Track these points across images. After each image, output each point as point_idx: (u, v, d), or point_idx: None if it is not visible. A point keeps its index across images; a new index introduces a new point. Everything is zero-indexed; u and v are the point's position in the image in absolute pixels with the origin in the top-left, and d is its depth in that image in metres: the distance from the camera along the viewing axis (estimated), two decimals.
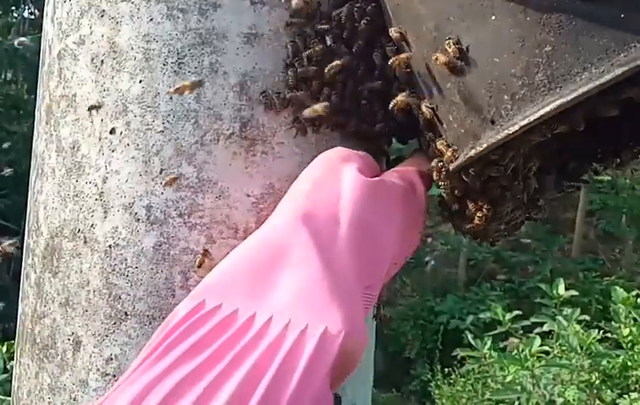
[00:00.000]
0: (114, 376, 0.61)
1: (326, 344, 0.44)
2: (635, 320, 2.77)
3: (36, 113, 0.72)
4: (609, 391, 2.59)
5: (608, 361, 2.69)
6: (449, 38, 0.53)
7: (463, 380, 3.85)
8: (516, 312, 2.84)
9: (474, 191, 0.58)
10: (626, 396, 2.56)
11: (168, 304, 0.61)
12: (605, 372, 2.67)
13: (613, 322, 2.82)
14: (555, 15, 0.47)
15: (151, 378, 0.42)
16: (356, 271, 0.50)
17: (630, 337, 2.72)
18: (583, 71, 0.46)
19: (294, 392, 0.40)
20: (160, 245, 0.61)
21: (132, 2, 0.62)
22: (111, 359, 0.62)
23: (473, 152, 0.52)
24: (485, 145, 0.51)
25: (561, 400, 2.50)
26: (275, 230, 0.53)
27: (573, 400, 2.50)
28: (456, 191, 0.59)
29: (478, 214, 0.58)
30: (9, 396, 0.75)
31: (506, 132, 0.49)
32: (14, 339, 0.74)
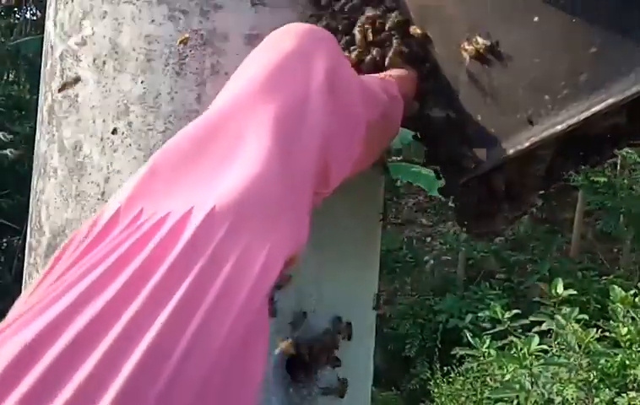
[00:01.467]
0: None
1: (268, 267, 0.36)
2: (633, 319, 2.77)
3: (38, 113, 0.73)
4: (607, 389, 2.59)
5: (606, 360, 2.70)
6: (479, 34, 0.53)
7: (462, 378, 3.85)
8: (515, 311, 2.85)
9: (497, 193, 0.58)
10: (624, 394, 2.57)
11: None
12: (604, 371, 2.68)
13: (611, 321, 2.83)
14: (601, 16, 0.47)
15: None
16: (312, 175, 0.42)
17: (628, 336, 2.72)
18: (629, 72, 0.46)
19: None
20: None
21: (134, 4, 0.63)
22: None
23: (512, 151, 0.53)
24: (526, 144, 0.51)
25: (559, 398, 2.51)
26: (225, 107, 0.42)
27: (571, 398, 2.51)
28: (479, 197, 0.59)
29: (501, 217, 0.58)
30: None
31: (551, 130, 0.50)
32: None
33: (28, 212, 0.75)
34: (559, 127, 0.49)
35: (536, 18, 0.50)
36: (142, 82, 0.62)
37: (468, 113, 0.56)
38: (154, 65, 0.62)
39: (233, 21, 0.62)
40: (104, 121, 0.64)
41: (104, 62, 0.64)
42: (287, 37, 0.47)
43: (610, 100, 0.47)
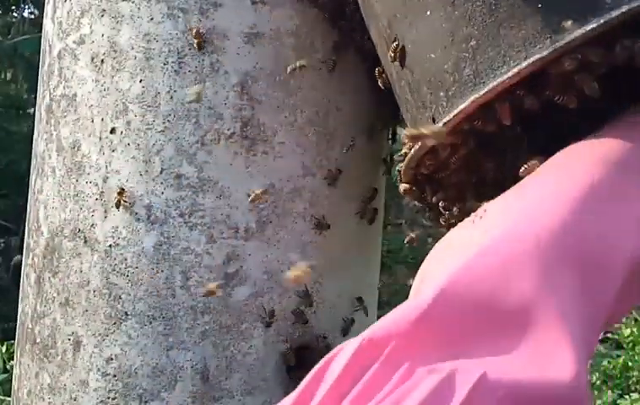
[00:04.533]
0: (114, 376, 0.61)
1: None
2: (636, 320, 2.77)
3: (36, 113, 0.72)
4: (609, 391, 2.59)
5: (608, 361, 2.69)
6: (395, 37, 0.53)
7: None
8: None
9: (432, 186, 0.57)
10: (626, 396, 2.56)
11: (168, 304, 0.61)
12: (606, 372, 2.67)
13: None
14: (478, 8, 0.46)
15: None
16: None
17: (630, 338, 2.72)
18: (503, 65, 0.45)
19: None
20: (160, 245, 0.61)
21: (133, 2, 0.62)
22: (112, 358, 0.61)
23: (413, 151, 0.52)
24: (428, 132, 0.50)
25: None
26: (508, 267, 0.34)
27: None
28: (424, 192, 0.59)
29: (440, 209, 0.58)
30: (9, 396, 0.75)
31: (442, 122, 0.49)
32: (14, 339, 0.74)
33: (25, 212, 0.74)
34: (443, 128, 0.48)
35: (428, 12, 0.49)
36: (141, 81, 0.62)
37: (404, 110, 0.57)
38: (153, 64, 0.62)
39: (233, 19, 0.62)
40: (102, 120, 0.63)
41: (102, 61, 0.63)
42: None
43: (474, 96, 0.46)
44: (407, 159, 0.53)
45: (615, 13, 0.41)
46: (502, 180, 0.57)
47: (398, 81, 0.55)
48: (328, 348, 0.66)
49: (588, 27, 0.41)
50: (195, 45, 0.60)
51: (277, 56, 0.63)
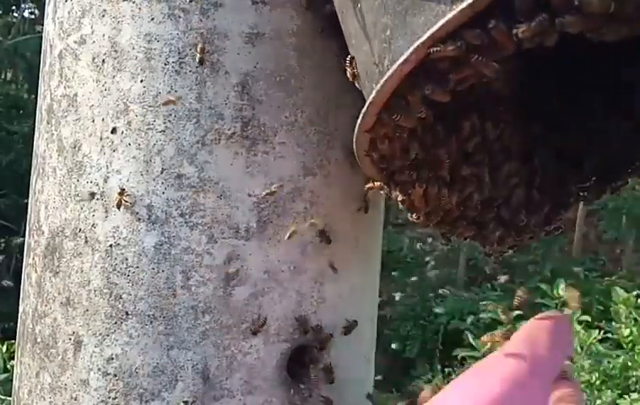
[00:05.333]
0: (115, 376, 0.61)
1: None
2: (635, 320, 2.77)
3: (37, 113, 0.72)
4: (609, 391, 2.59)
5: (608, 361, 2.69)
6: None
7: None
8: (517, 312, 2.84)
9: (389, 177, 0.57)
10: (626, 396, 2.56)
11: (169, 303, 0.61)
12: (606, 372, 2.67)
13: (613, 323, 2.82)
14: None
15: None
16: None
17: (630, 338, 2.72)
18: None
19: None
20: (161, 245, 0.61)
21: (134, 2, 0.62)
22: (112, 358, 0.62)
23: (354, 138, 0.53)
24: (355, 130, 0.51)
25: None
26: None
27: None
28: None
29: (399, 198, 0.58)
30: (10, 395, 0.75)
31: (361, 116, 0.49)
32: (14, 339, 0.74)
33: (26, 212, 0.74)
34: (365, 118, 0.49)
35: (359, 5, 0.49)
36: (141, 81, 0.62)
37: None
38: (154, 64, 0.62)
39: (233, 19, 0.62)
40: (103, 120, 0.63)
41: (103, 61, 0.63)
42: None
43: (383, 80, 0.45)
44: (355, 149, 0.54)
45: None
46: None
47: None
48: (329, 348, 0.66)
49: (462, 5, 0.40)
50: (197, 60, 0.60)
51: (277, 56, 0.63)
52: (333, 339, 0.66)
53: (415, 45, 0.42)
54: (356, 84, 0.55)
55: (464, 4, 0.40)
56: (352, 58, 0.55)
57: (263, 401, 0.63)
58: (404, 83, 0.45)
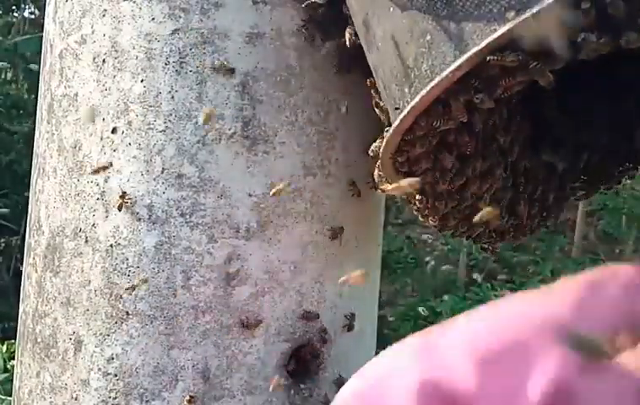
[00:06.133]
0: (115, 376, 0.61)
1: None
2: None
3: (38, 112, 0.72)
4: None
5: None
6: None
7: None
8: None
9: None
10: None
11: (169, 303, 0.61)
12: None
13: None
14: (432, 3, 0.46)
15: None
16: None
17: None
18: (454, 59, 0.44)
19: None
20: (161, 245, 0.61)
21: (134, 2, 0.62)
22: (113, 358, 0.62)
23: (378, 143, 0.53)
24: (390, 131, 0.51)
25: None
26: None
27: None
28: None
29: (416, 203, 0.58)
30: (10, 395, 0.75)
31: (398, 120, 0.49)
32: (14, 339, 0.74)
33: (26, 212, 0.74)
34: (404, 119, 0.49)
35: (391, 8, 0.49)
36: (142, 81, 0.62)
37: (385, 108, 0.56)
38: (155, 63, 0.62)
39: (234, 19, 0.62)
40: (103, 120, 0.63)
41: (104, 61, 0.63)
42: None
43: (426, 89, 0.45)
44: (379, 148, 0.54)
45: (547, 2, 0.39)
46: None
47: (377, 79, 0.55)
48: (328, 347, 0.66)
49: (524, 16, 0.40)
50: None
51: (278, 56, 0.63)
52: (333, 338, 0.66)
53: (471, 52, 0.42)
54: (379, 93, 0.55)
55: (527, 15, 0.40)
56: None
57: (263, 401, 0.63)
58: (450, 89, 0.45)
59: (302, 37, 0.64)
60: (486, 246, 0.68)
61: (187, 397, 0.60)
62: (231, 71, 0.61)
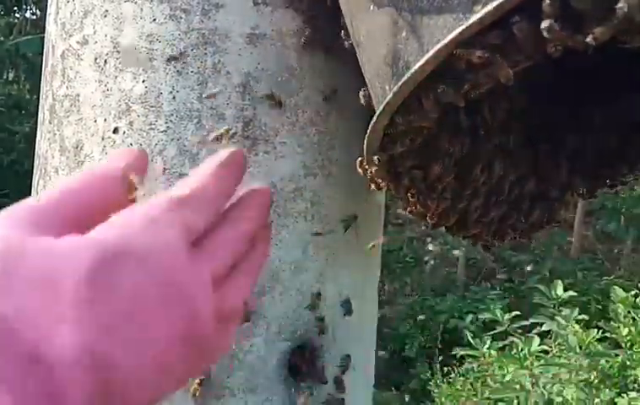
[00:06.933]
0: None
1: None
2: (634, 319, 2.77)
3: (39, 113, 0.72)
4: (607, 390, 2.59)
5: (607, 360, 2.70)
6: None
7: (462, 379, 3.85)
8: (515, 312, 2.85)
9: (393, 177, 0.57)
10: (624, 395, 2.57)
11: None
12: (604, 371, 2.68)
13: (612, 322, 2.83)
14: (406, 0, 0.46)
15: None
16: None
17: (629, 337, 2.72)
18: (423, 55, 0.43)
19: None
20: None
21: (136, 3, 0.63)
22: None
23: (366, 139, 0.53)
24: (369, 129, 0.51)
25: (559, 399, 2.50)
26: None
27: (572, 399, 2.51)
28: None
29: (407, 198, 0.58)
30: None
31: (375, 117, 0.49)
32: None
33: None
34: (378, 119, 0.49)
35: (371, 7, 0.49)
36: (143, 81, 0.62)
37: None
38: (156, 64, 0.62)
39: (234, 20, 0.62)
40: (105, 120, 0.64)
41: (105, 61, 0.64)
42: None
43: (396, 87, 0.45)
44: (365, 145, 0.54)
45: None
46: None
47: (366, 78, 0.56)
48: (329, 345, 0.66)
49: (489, 7, 0.39)
50: None
51: (279, 56, 0.63)
52: (333, 337, 0.67)
53: (437, 47, 0.42)
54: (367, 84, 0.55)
55: (490, 7, 0.39)
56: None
57: (264, 399, 0.63)
58: (420, 85, 0.45)
59: (302, 39, 0.64)
60: (487, 245, 0.68)
61: (198, 380, 0.60)
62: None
